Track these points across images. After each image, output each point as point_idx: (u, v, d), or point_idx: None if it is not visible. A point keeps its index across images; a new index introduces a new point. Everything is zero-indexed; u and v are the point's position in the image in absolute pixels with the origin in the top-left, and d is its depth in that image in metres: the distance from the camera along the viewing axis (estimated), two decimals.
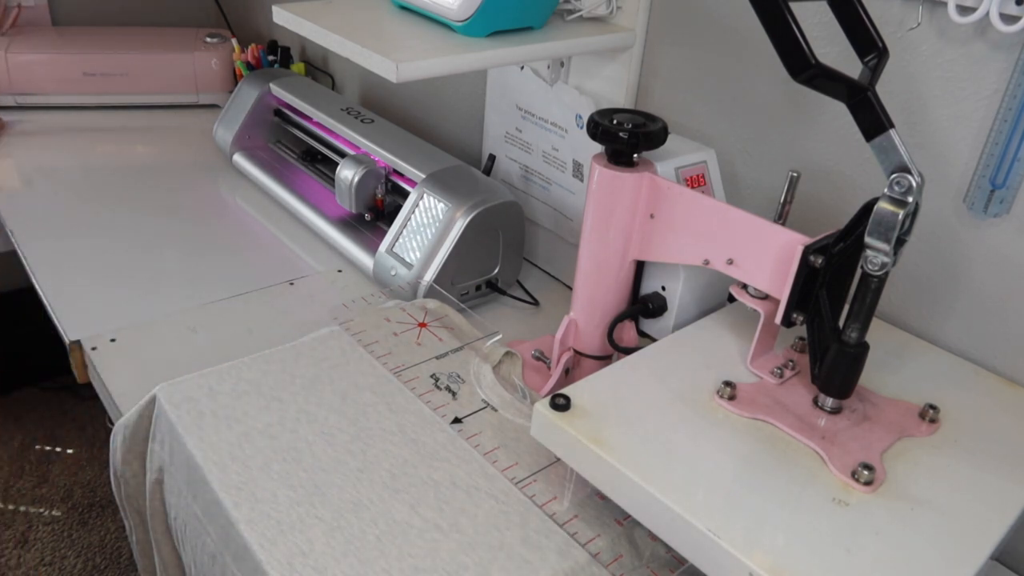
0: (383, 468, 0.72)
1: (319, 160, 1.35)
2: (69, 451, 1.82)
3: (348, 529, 0.65)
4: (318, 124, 1.28)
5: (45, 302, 0.99)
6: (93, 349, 0.91)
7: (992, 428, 0.66)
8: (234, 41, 1.66)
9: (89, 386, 0.93)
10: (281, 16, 0.89)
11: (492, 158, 1.15)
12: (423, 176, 1.03)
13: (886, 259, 0.58)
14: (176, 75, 1.64)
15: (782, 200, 0.69)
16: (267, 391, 0.79)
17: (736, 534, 0.54)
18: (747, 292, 0.70)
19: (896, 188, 0.57)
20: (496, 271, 1.04)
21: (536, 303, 1.07)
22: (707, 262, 0.71)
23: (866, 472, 0.58)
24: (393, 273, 1.00)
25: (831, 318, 0.64)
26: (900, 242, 0.58)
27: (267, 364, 0.83)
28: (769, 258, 0.66)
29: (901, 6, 0.73)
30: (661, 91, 0.96)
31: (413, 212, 1.01)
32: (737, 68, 0.88)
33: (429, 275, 0.96)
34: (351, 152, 1.18)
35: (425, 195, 1.01)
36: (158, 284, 1.04)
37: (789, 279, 0.64)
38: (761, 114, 0.87)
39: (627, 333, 0.82)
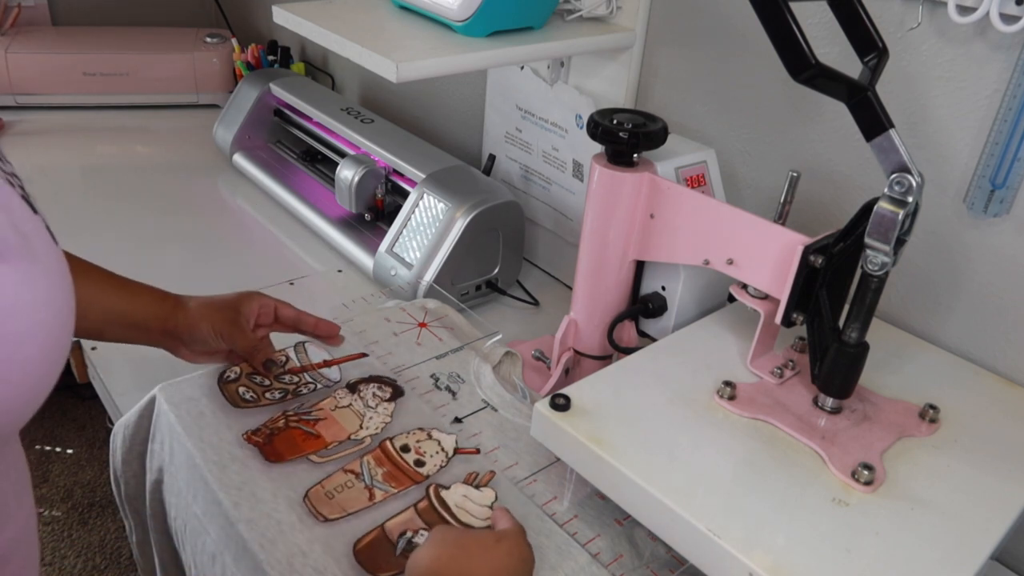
0: None
1: (319, 160, 1.35)
2: (69, 451, 1.82)
3: (330, 524, 0.65)
4: (318, 124, 1.28)
5: None
6: (93, 349, 0.91)
7: (992, 428, 0.66)
8: (234, 41, 1.66)
9: (89, 386, 0.93)
10: (281, 16, 0.89)
11: (492, 158, 1.15)
12: (423, 176, 1.03)
13: (886, 259, 0.58)
14: (176, 75, 1.64)
15: (782, 200, 0.69)
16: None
17: (736, 534, 0.54)
18: (747, 292, 0.70)
19: (896, 188, 0.57)
20: (496, 271, 1.04)
21: (536, 303, 1.07)
22: (707, 262, 0.71)
23: (866, 472, 0.58)
24: (393, 273, 1.00)
25: (831, 318, 0.64)
26: (900, 242, 0.58)
27: None
28: (769, 258, 0.66)
29: (901, 6, 0.73)
30: (661, 91, 0.96)
31: (413, 212, 1.01)
32: (737, 68, 0.88)
33: (429, 275, 0.96)
34: (351, 152, 1.18)
35: (425, 195, 1.01)
36: (158, 284, 1.04)
37: (789, 279, 0.64)
38: (761, 114, 0.87)
39: (627, 333, 0.82)
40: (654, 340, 0.80)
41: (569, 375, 0.85)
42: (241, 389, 0.76)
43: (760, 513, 0.56)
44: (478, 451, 0.73)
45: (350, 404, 0.76)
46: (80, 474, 1.77)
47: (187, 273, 1.07)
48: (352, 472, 0.69)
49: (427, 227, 0.99)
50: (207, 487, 0.68)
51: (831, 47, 0.76)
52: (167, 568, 0.81)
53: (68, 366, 0.91)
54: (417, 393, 0.80)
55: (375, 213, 1.14)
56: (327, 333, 0.82)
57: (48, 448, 1.83)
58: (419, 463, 0.71)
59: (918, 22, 0.72)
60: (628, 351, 0.76)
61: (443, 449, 0.72)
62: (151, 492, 0.78)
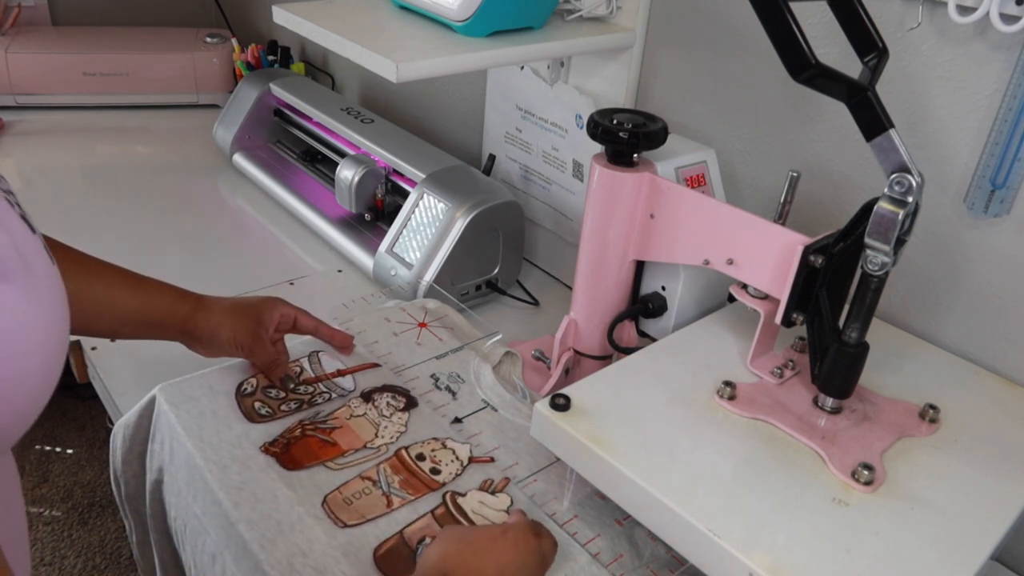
0: None
1: (319, 160, 1.35)
2: (69, 451, 1.82)
3: (349, 529, 0.65)
4: (318, 124, 1.28)
5: None
6: (93, 349, 0.91)
7: (992, 428, 0.66)
8: (234, 41, 1.66)
9: (89, 386, 0.93)
10: (281, 16, 0.89)
11: (492, 158, 1.15)
12: (423, 176, 1.03)
13: (886, 259, 0.58)
14: (176, 75, 1.64)
15: (782, 200, 0.69)
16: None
17: (736, 534, 0.54)
18: (747, 292, 0.70)
19: (896, 188, 0.57)
20: (496, 271, 1.04)
21: (536, 303, 1.07)
22: (707, 262, 0.71)
23: (866, 472, 0.58)
24: (393, 273, 1.00)
25: (831, 318, 0.64)
26: (900, 242, 0.58)
27: None
28: (769, 258, 0.66)
29: (901, 6, 0.73)
30: (661, 91, 0.96)
31: (413, 212, 1.01)
32: (737, 68, 0.88)
33: (429, 275, 0.96)
34: (351, 152, 1.18)
35: (425, 195, 1.01)
36: None
37: (789, 279, 0.64)
38: (761, 114, 0.87)
39: (627, 333, 0.82)
40: (654, 340, 0.80)
41: (569, 375, 0.85)
42: (257, 404, 0.77)
43: (760, 513, 0.56)
44: (492, 460, 0.73)
45: (365, 413, 0.77)
46: (80, 474, 1.77)
47: (187, 273, 1.06)
48: (369, 479, 0.70)
49: (427, 227, 0.99)
50: (207, 487, 0.68)
51: (831, 47, 0.76)
52: (167, 568, 0.81)
53: (68, 366, 0.91)
54: (430, 405, 0.80)
55: (375, 213, 1.14)
56: (342, 344, 0.84)
57: (48, 448, 1.83)
58: (435, 471, 0.71)
59: (918, 22, 0.72)
60: (628, 351, 0.76)
61: (458, 458, 0.73)
62: (151, 492, 0.78)
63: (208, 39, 1.68)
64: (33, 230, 0.42)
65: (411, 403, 0.79)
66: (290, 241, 1.19)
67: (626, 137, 0.71)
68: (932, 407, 0.66)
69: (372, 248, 1.07)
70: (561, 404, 0.64)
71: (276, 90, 1.34)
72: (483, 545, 0.57)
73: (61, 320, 0.40)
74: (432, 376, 0.83)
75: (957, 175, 0.73)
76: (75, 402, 1.93)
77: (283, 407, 0.77)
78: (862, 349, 0.62)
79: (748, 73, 0.87)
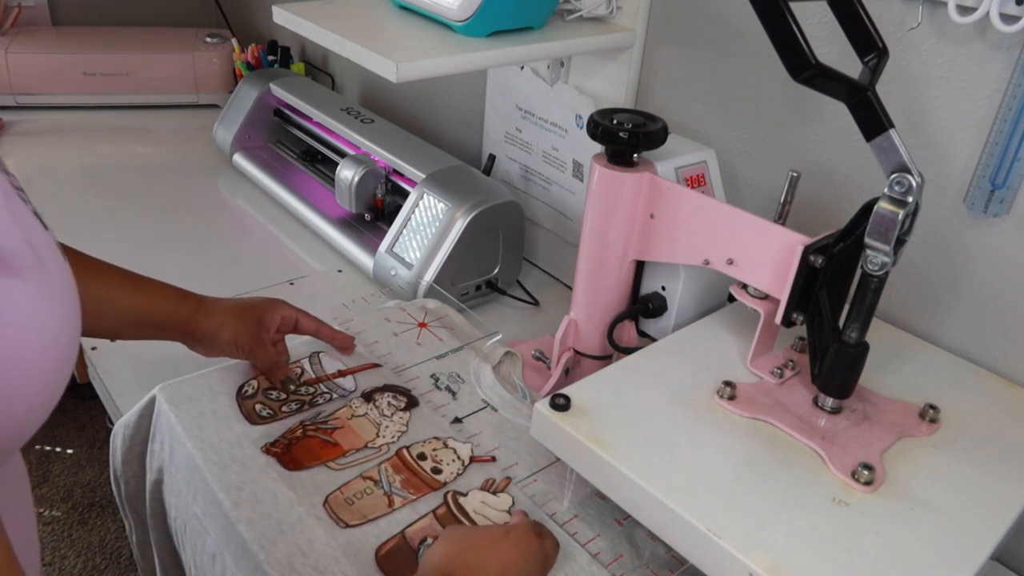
0: None
1: (319, 160, 1.35)
2: (69, 451, 1.82)
3: (349, 529, 0.65)
4: (318, 124, 1.28)
5: None
6: (93, 349, 0.91)
7: (992, 428, 0.66)
8: (234, 41, 1.66)
9: (89, 386, 0.93)
10: (281, 16, 0.89)
11: (492, 158, 1.15)
12: (423, 176, 1.03)
13: (886, 259, 0.58)
14: (176, 75, 1.64)
15: (782, 200, 0.69)
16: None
17: (736, 534, 0.54)
18: (747, 292, 0.70)
19: (896, 188, 0.57)
20: (496, 271, 1.04)
21: (536, 303, 1.07)
22: (707, 262, 0.71)
23: (866, 472, 0.58)
24: (393, 273, 1.00)
25: (831, 318, 0.64)
26: (900, 242, 0.58)
27: None
28: (769, 258, 0.66)
29: (901, 6, 0.73)
30: (661, 91, 0.96)
31: (413, 212, 1.01)
32: (737, 68, 0.88)
33: (429, 275, 0.96)
34: (351, 152, 1.18)
35: (425, 195, 1.01)
36: None
37: (789, 279, 0.64)
38: (761, 114, 0.87)
39: (627, 333, 0.82)
40: (654, 340, 0.80)
41: (569, 375, 0.85)
42: (258, 407, 0.77)
43: (760, 513, 0.56)
44: (494, 459, 0.73)
45: (366, 413, 0.77)
46: (80, 474, 1.77)
47: (187, 273, 1.07)
48: (371, 479, 0.70)
49: (427, 227, 0.99)
50: (207, 487, 0.68)
51: (831, 47, 0.76)
52: (167, 568, 0.81)
53: None
54: (431, 405, 0.80)
55: (375, 213, 1.14)
56: (342, 344, 0.84)
57: (48, 448, 1.83)
58: (436, 471, 0.71)
59: (918, 22, 0.72)
60: (628, 351, 0.76)
61: (459, 457, 0.73)
62: (151, 492, 0.78)
63: (208, 39, 1.68)
64: (45, 226, 0.42)
65: (412, 403, 0.79)
66: (290, 241, 1.19)
67: (626, 137, 0.71)
68: (932, 407, 0.66)
69: (372, 248, 1.07)
70: (561, 404, 0.64)
71: (276, 90, 1.34)
72: (485, 546, 0.57)
73: (73, 317, 0.40)
74: (432, 376, 0.83)
75: (957, 175, 0.73)
76: (75, 402, 1.93)
77: (284, 408, 0.77)
78: (862, 349, 0.62)
79: (748, 73, 0.87)
